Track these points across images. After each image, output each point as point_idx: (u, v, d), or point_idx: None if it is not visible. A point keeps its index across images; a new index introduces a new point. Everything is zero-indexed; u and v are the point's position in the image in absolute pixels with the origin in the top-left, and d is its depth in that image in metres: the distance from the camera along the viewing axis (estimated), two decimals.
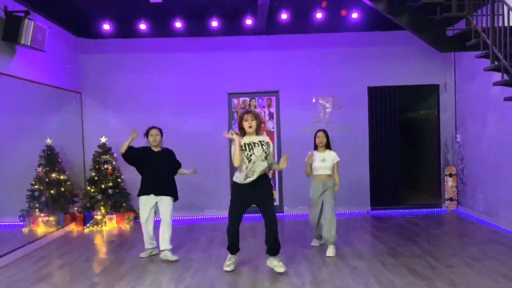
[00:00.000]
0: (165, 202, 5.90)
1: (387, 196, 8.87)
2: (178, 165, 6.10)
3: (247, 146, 4.93)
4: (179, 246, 6.38)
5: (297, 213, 8.69)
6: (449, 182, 8.66)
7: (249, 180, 4.95)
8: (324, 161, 6.01)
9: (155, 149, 5.96)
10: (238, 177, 5.03)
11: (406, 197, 9.37)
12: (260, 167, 4.94)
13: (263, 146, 4.95)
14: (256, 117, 4.98)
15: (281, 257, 5.21)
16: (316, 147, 6.16)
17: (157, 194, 5.91)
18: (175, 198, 6.00)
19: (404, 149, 9.84)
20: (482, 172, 7.70)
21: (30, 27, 6.17)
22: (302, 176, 8.44)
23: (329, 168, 6.01)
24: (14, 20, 6.08)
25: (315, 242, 6.35)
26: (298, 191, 8.67)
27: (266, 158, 4.95)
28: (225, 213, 8.48)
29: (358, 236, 6.72)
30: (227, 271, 5.17)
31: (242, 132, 5.01)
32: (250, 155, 4.90)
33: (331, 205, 5.94)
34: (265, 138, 5.10)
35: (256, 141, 4.97)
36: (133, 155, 5.89)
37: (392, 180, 8.90)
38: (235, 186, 5.11)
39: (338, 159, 6.08)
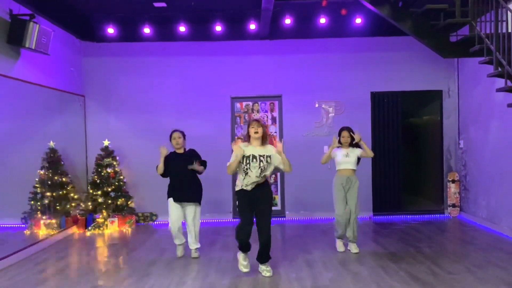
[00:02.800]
0: (190, 210, 5.98)
1: (390, 201, 8.86)
2: (202, 163, 6.10)
3: (246, 159, 4.96)
4: None
5: (298, 218, 8.67)
6: (452, 188, 8.63)
7: (247, 188, 5.03)
8: (347, 156, 6.09)
9: (179, 151, 6.03)
10: (238, 186, 5.13)
11: (408, 203, 9.33)
12: (253, 180, 4.99)
13: (261, 163, 4.97)
14: (263, 125, 5.08)
15: (269, 263, 5.27)
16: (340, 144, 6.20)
17: (182, 201, 5.96)
18: (200, 202, 6.05)
19: (406, 155, 9.81)
20: (485, 178, 7.68)
21: (35, 31, 6.20)
22: (304, 181, 8.49)
23: (352, 163, 6.10)
24: (19, 23, 6.12)
25: (340, 246, 6.25)
26: (300, 195, 8.69)
27: (260, 174, 4.99)
28: (226, 217, 8.58)
29: (360, 241, 6.68)
30: (245, 272, 5.18)
31: (249, 139, 5.09)
32: (247, 169, 4.98)
33: (354, 203, 6.08)
34: (267, 151, 5.06)
35: (257, 155, 4.99)
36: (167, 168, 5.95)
37: (395, 185, 8.89)
38: (238, 193, 5.15)
39: (360, 152, 6.14)
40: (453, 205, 8.65)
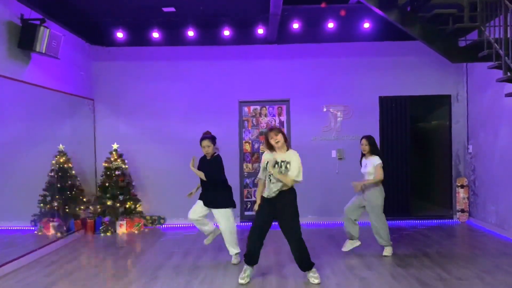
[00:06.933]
0: (218, 216, 5.92)
1: (398, 206, 8.80)
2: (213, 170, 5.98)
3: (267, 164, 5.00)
4: (187, 253, 6.39)
5: (306, 222, 8.65)
6: (461, 193, 8.58)
7: (269, 196, 5.04)
8: (365, 167, 6.15)
9: (208, 157, 5.99)
10: (264, 193, 5.14)
11: (417, 208, 9.29)
12: (275, 187, 4.99)
13: (281, 168, 4.97)
14: (280, 130, 5.04)
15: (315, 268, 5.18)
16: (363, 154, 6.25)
17: (206, 204, 5.93)
18: (227, 206, 5.93)
19: (415, 160, 9.77)
20: (494, 183, 7.62)
21: (45, 35, 6.26)
22: (311, 186, 8.47)
23: (370, 174, 6.10)
24: (30, 28, 6.18)
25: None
26: (307, 200, 8.65)
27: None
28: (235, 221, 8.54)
29: (368, 246, 6.67)
30: (241, 284, 5.05)
31: (272, 150, 5.08)
32: (270, 175, 5.00)
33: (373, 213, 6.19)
34: (287, 156, 5.02)
35: (279, 161, 4.99)
36: None
37: (403, 190, 8.84)
38: (262, 199, 5.18)
39: (378, 162, 6.07)
40: (462, 210, 8.60)
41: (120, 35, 8.05)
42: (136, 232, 8.09)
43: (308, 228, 8.33)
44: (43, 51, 6.30)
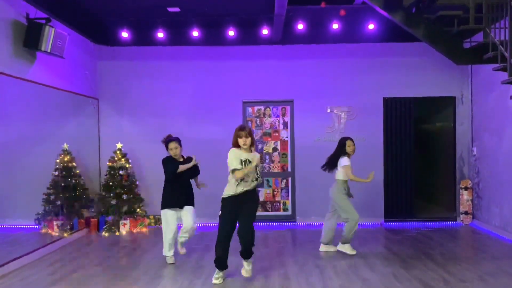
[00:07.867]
0: (191, 213, 5.97)
1: (401, 208, 8.79)
2: (197, 172, 6.14)
3: (243, 163, 4.91)
4: (191, 253, 6.40)
5: (309, 222, 8.65)
6: (465, 196, 8.56)
7: (238, 192, 4.96)
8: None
9: (179, 159, 6.01)
10: (226, 192, 5.03)
11: (420, 210, 9.27)
12: (248, 186, 4.98)
13: (257, 167, 4.98)
14: (251, 134, 5.02)
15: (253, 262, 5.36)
16: (346, 154, 6.35)
17: (181, 207, 5.98)
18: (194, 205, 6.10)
19: (419, 162, 9.75)
20: (498, 186, 7.60)
21: (51, 34, 6.29)
22: (315, 186, 8.47)
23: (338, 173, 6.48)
24: (35, 27, 6.21)
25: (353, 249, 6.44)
26: (311, 201, 8.66)
27: (257, 179, 5.01)
28: None
29: (371, 248, 6.67)
30: (215, 284, 5.08)
31: (237, 145, 5.05)
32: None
33: None
34: (255, 156, 5.05)
35: (250, 159, 4.97)
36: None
37: (407, 192, 8.82)
38: (224, 201, 5.05)
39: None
40: (466, 213, 8.57)
41: (125, 34, 8.08)
42: (139, 231, 8.10)
43: (311, 229, 8.34)
44: (48, 50, 6.33)
